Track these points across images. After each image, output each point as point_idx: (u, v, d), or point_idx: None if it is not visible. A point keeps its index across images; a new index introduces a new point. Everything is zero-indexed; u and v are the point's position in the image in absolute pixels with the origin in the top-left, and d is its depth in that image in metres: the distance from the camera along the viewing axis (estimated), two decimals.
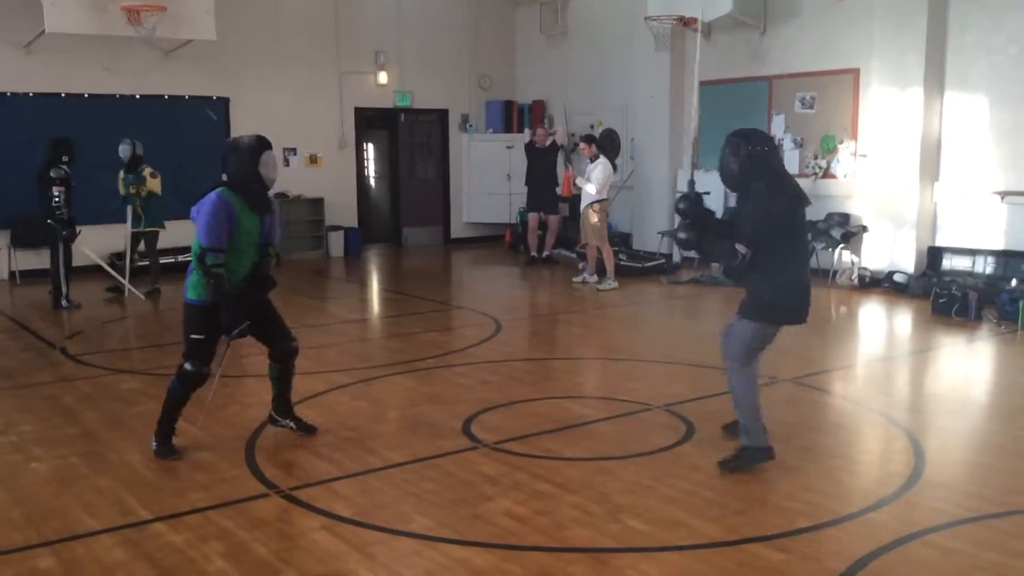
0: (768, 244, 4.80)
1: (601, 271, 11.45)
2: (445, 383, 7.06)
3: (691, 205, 5.54)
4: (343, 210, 15.08)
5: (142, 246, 11.05)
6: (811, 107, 12.01)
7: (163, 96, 13.19)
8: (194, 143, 12.94)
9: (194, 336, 5.17)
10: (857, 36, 11.27)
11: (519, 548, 4.08)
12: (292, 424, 5.63)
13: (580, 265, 12.13)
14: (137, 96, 13.00)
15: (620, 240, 13.71)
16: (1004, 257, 10.16)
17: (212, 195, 5.04)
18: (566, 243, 13.73)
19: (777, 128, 12.36)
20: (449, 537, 4.18)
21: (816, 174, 11.90)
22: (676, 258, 13.17)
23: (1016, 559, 3.92)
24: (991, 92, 10.32)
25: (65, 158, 9.88)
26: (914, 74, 10.59)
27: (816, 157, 11.98)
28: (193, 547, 4.09)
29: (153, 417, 5.89)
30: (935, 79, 10.66)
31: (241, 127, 13.72)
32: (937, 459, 5.22)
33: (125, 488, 4.79)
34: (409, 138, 17.16)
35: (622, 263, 12.11)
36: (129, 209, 10.73)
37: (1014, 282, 9.60)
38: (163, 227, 11.00)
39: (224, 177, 5.11)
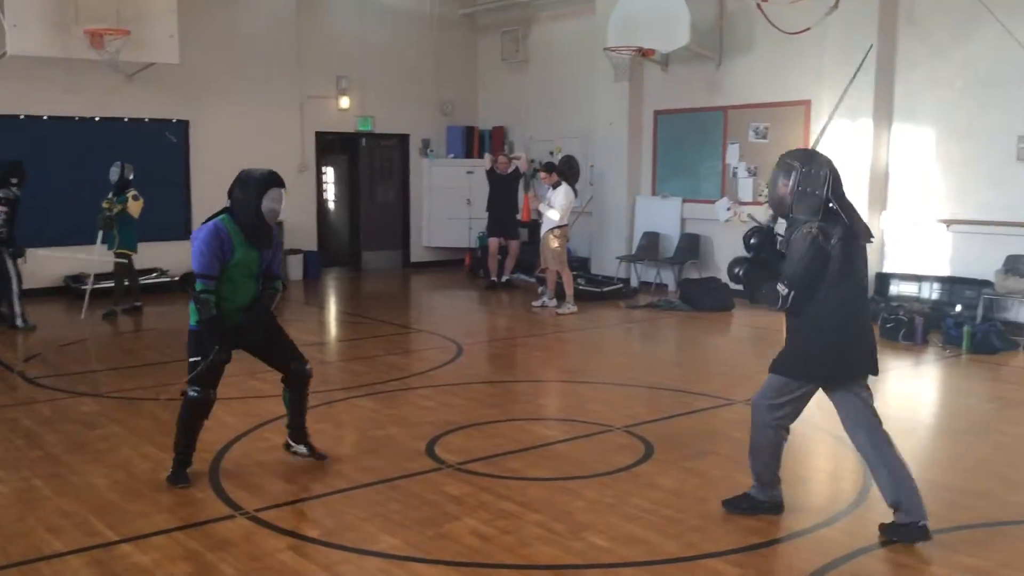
0: (812, 286, 4.33)
1: (560, 295, 11.61)
2: (408, 405, 7.14)
3: (762, 241, 4.63)
4: (302, 233, 15.08)
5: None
6: (764, 137, 12.33)
7: (123, 119, 13.15)
8: (153, 166, 12.90)
9: (191, 360, 5.13)
10: (808, 69, 11.62)
11: (485, 566, 4.18)
12: (305, 450, 5.57)
13: (539, 289, 12.28)
14: (97, 119, 12.95)
15: (579, 265, 13.90)
16: (949, 283, 10.50)
17: (210, 224, 5.05)
18: (525, 268, 13.89)
19: (731, 157, 12.68)
20: (416, 556, 4.26)
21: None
22: (634, 282, 13.39)
23: (959, 572, 4.10)
24: (937, 125, 10.70)
25: (14, 180, 9.93)
26: (863, 107, 10.94)
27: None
28: (161, 567, 4.12)
29: (115, 440, 5.92)
30: (883, 111, 11.03)
31: (201, 150, 13.75)
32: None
33: (90, 510, 4.81)
34: (370, 162, 17.24)
35: (581, 287, 12.28)
36: (99, 232, 10.77)
37: (959, 307, 9.92)
38: (134, 251, 11.03)
39: (228, 203, 5.13)
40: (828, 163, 4.38)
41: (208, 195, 12.05)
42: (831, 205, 4.29)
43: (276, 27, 14.51)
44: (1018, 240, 9.96)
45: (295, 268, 14.82)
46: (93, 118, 12.94)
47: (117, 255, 10.92)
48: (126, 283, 11.15)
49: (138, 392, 7.43)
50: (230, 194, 5.13)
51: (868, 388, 4.51)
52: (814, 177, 4.30)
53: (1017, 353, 9.02)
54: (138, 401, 7.14)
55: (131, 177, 10.81)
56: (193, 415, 5.19)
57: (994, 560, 4.22)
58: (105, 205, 10.67)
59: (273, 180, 5.12)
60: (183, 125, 13.73)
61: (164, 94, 13.35)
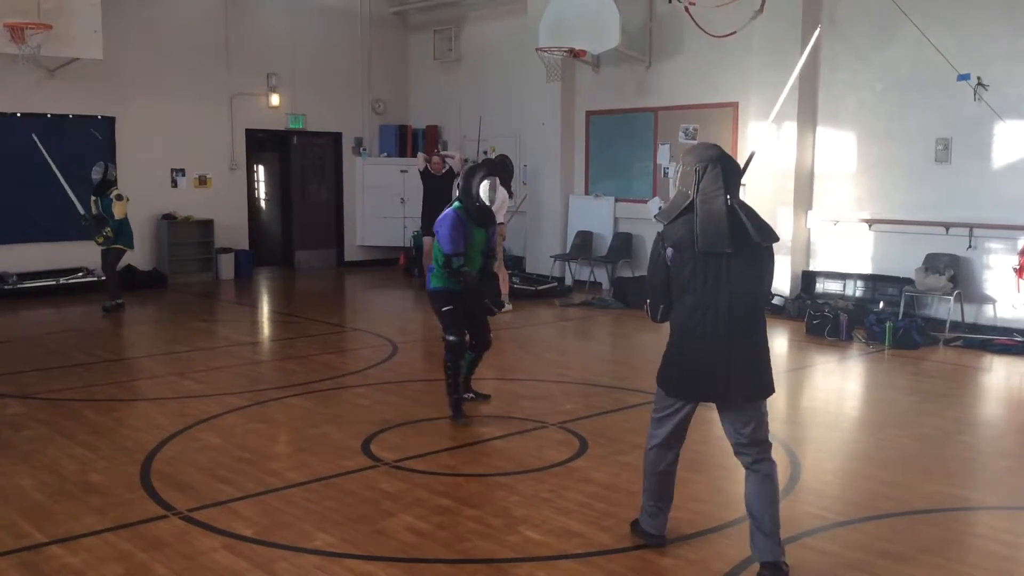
0: (658, 294, 4.07)
1: None
2: (343, 404, 7.11)
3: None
4: (233, 232, 14.89)
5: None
6: (694, 138, 12.55)
7: (46, 115, 12.81)
8: (78, 162, 12.58)
9: (445, 308, 6.40)
10: (736, 72, 11.88)
11: (421, 561, 4.20)
12: (472, 395, 6.93)
13: None
14: (18, 115, 12.59)
15: (514, 264, 13.97)
16: (872, 281, 10.83)
17: (450, 212, 6.32)
18: None
19: (662, 157, 12.87)
20: (352, 553, 4.27)
21: None
22: (568, 281, 13.51)
23: (882, 558, 4.25)
24: (859, 127, 11.03)
25: None
26: (788, 109, 11.21)
27: None
28: (92, 568, 4.06)
29: (41, 441, 5.81)
30: (808, 114, 11.33)
31: (127, 147, 13.47)
32: (812, 468, 5.59)
33: (17, 512, 4.71)
34: (302, 160, 17.07)
35: (516, 286, 12.35)
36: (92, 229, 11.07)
37: (881, 304, 10.24)
38: (130, 247, 11.33)
39: (457, 194, 6.38)
40: (708, 159, 3.91)
41: (136, 192, 11.84)
42: (694, 205, 3.88)
43: (203, 22, 14.29)
44: (937, 239, 10.32)
45: (226, 268, 14.62)
46: (15, 114, 12.59)
47: (110, 250, 11.13)
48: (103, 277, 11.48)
49: (66, 393, 7.27)
50: (457, 186, 6.44)
51: (750, 422, 4.01)
52: (685, 175, 3.96)
53: (936, 348, 9.36)
54: (65, 402, 6.99)
55: (112, 178, 11.08)
56: (455, 356, 6.42)
57: (914, 547, 4.39)
58: (94, 211, 11.00)
59: (489, 171, 6.41)
60: (108, 121, 13.44)
61: (88, 90, 13.07)
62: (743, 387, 3.96)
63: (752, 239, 3.86)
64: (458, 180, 6.57)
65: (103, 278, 11.60)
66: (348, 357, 9.16)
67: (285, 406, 7.00)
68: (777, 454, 5.74)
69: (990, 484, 5.56)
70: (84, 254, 12.61)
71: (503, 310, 11.29)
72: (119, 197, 11.01)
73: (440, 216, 6.41)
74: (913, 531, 4.60)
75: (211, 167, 14.65)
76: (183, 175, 14.32)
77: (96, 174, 10.98)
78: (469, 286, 6.35)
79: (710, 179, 3.87)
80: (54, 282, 12.48)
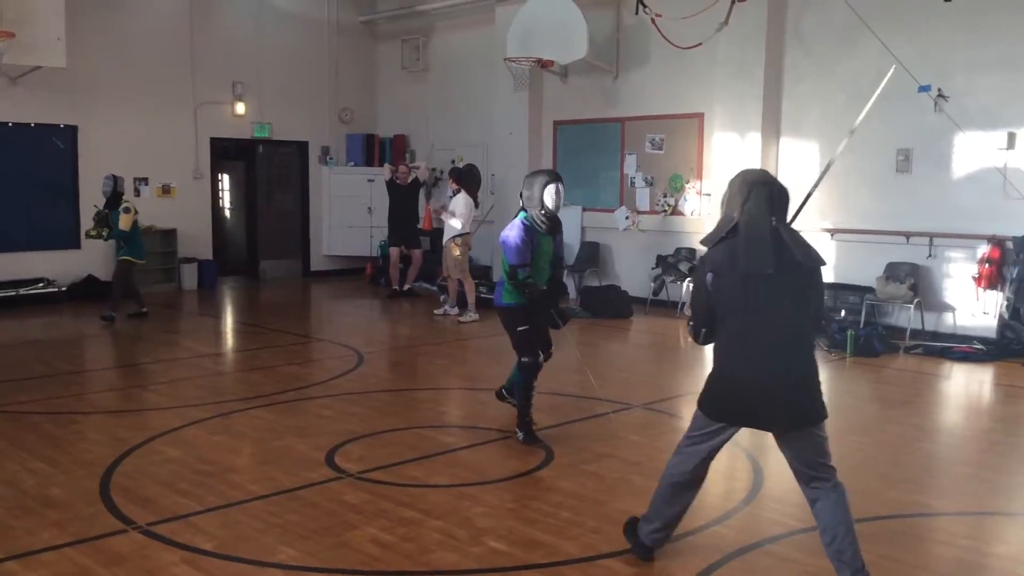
0: (700, 318, 3.99)
1: (462, 303, 11.65)
2: (307, 415, 7.06)
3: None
4: (197, 242, 14.76)
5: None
6: (660, 148, 12.64)
7: (7, 123, 12.63)
8: (40, 172, 12.46)
9: (520, 329, 6.18)
10: (701, 83, 11.98)
11: (385, 574, 4.18)
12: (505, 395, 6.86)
13: (441, 298, 12.30)
14: None
15: (481, 273, 13.96)
16: (834, 290, 10.91)
17: (517, 222, 6.10)
18: (427, 276, 13.87)
19: (629, 167, 12.96)
20: (315, 566, 4.23)
21: (665, 211, 12.54)
22: None
23: None
24: (821, 138, 11.16)
25: None
26: (752, 120, 11.34)
27: (665, 195, 12.61)
28: None
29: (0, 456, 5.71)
30: (772, 125, 11.45)
31: (90, 156, 13.32)
32: (774, 476, 5.62)
33: None
34: (267, 170, 16.97)
35: (483, 295, 12.34)
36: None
37: (843, 313, 10.36)
38: (142, 259, 11.38)
39: (521, 203, 6.14)
40: (754, 182, 3.91)
41: (98, 203, 11.72)
42: (738, 228, 3.85)
43: (168, 31, 14.18)
44: (897, 248, 10.46)
45: (190, 278, 14.48)
46: None
47: (121, 261, 11.21)
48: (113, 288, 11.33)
49: (26, 405, 7.15)
50: (521, 195, 6.13)
51: (806, 449, 3.94)
52: (731, 198, 3.94)
53: (897, 356, 9.48)
54: (24, 415, 6.88)
55: (122, 190, 11.14)
56: (530, 377, 6.23)
57: (875, 552, 4.42)
58: (96, 222, 11.11)
59: (551, 177, 6.10)
60: (71, 130, 13.28)
61: (51, 98, 12.90)
62: (789, 412, 3.85)
63: (797, 261, 3.80)
64: (522, 190, 6.16)
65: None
66: (313, 368, 9.10)
67: (248, 418, 6.94)
68: (739, 461, 5.83)
69: (949, 490, 5.63)
70: (45, 264, 12.44)
71: (468, 319, 11.33)
72: (127, 210, 11.06)
73: (506, 227, 6.17)
74: (874, 537, 4.64)
75: (175, 176, 14.51)
76: (146, 184, 14.17)
77: (106, 187, 11.04)
78: (534, 299, 6.14)
79: (756, 202, 3.83)
80: (14, 292, 12.30)
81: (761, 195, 3.84)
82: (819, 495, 3.96)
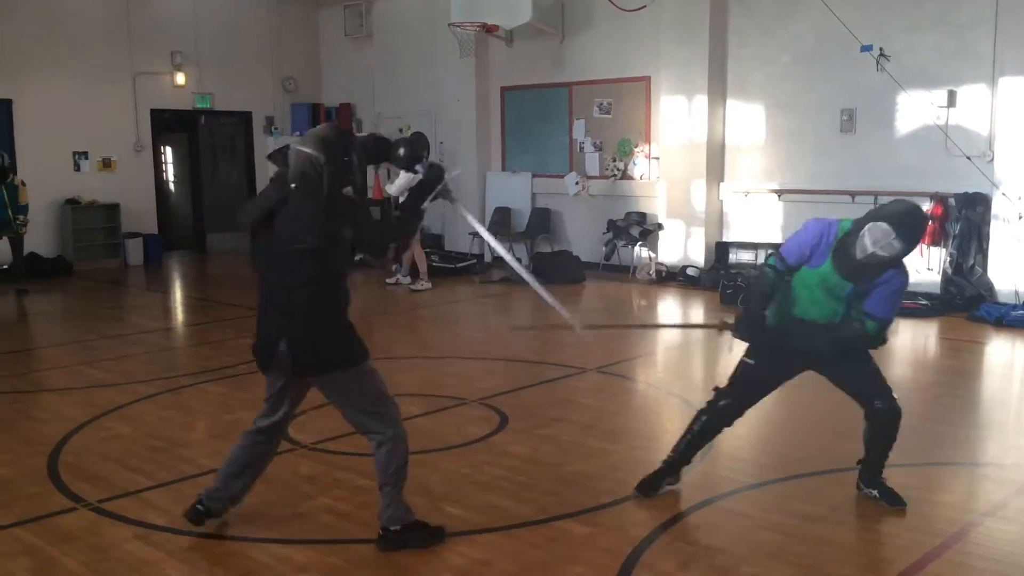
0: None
1: (414, 272, 11.58)
2: (259, 388, 6.83)
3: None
4: (141, 216, 14.46)
5: None
6: (608, 112, 12.63)
7: None
8: None
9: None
10: (647, 47, 11.96)
11: (341, 542, 4.16)
12: None
13: (393, 267, 12.21)
14: None
15: (432, 241, 13.89)
16: None
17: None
18: None
19: (578, 132, 12.93)
20: (272, 537, 4.20)
21: (615, 175, 12.56)
22: (487, 258, 13.49)
23: (793, 518, 4.37)
24: (766, 99, 11.23)
25: None
26: (698, 83, 11.37)
27: (614, 159, 12.61)
28: None
29: None
30: (718, 88, 11.48)
31: (25, 130, 12.94)
32: (726, 434, 5.65)
33: None
34: (211, 141, 16.65)
35: (435, 264, 12.29)
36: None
37: None
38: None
39: None
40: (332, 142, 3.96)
41: (36, 177, 11.43)
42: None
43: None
44: (844, 207, 10.56)
45: (135, 253, 14.20)
46: None
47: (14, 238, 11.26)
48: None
49: None
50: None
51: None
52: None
53: None
54: None
55: (8, 164, 11.14)
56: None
57: (825, 505, 4.52)
58: None
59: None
60: (5, 104, 12.89)
61: None
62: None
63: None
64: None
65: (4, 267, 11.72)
66: None
67: (199, 392, 6.85)
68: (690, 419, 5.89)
69: (897, 442, 5.73)
70: None
71: (420, 287, 11.27)
72: (24, 183, 10.99)
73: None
74: (824, 491, 4.73)
75: (115, 149, 14.16)
76: (86, 158, 13.83)
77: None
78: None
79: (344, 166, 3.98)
80: None
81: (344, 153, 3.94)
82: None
